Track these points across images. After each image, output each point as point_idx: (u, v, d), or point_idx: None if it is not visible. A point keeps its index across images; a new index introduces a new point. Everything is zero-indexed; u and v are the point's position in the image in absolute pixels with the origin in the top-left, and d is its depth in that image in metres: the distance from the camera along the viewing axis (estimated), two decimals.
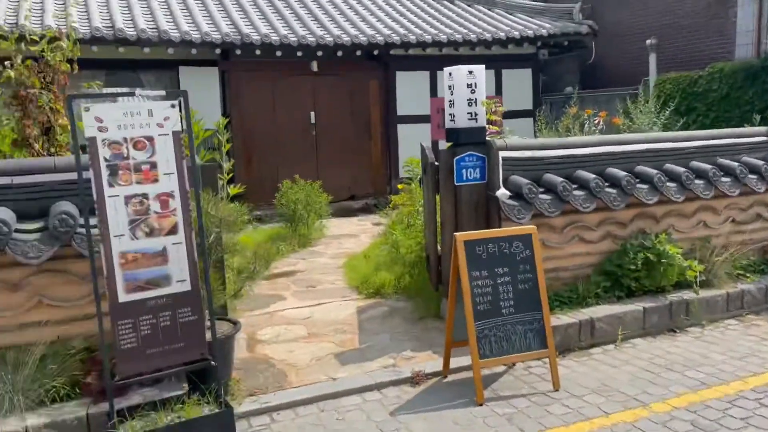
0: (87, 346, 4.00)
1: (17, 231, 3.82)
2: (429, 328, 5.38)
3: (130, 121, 3.48)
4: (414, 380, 4.43)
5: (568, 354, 4.87)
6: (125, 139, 3.49)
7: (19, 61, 4.84)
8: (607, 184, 5.45)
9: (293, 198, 8.60)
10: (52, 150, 4.89)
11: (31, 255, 3.80)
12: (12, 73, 4.75)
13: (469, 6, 13.95)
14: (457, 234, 4.35)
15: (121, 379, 3.62)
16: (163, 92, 3.60)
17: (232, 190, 7.36)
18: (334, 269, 7.26)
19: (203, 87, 10.83)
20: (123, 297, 3.55)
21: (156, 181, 3.57)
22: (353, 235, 9.16)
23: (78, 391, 3.84)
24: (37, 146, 4.85)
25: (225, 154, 8.21)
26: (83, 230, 3.58)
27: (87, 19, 9.91)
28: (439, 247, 5.50)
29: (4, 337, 3.89)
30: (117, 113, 3.47)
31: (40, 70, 4.94)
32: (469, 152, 5.21)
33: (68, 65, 5.06)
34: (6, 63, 4.81)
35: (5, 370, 3.67)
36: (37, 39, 4.91)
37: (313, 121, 11.58)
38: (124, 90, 3.69)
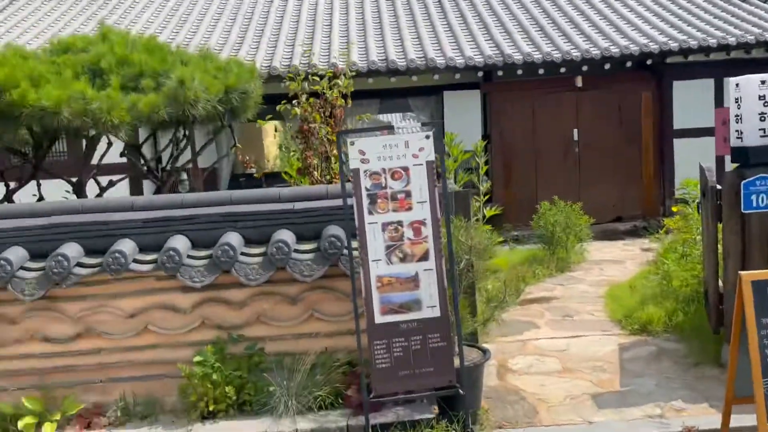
0: (349, 360, 4.31)
1: (295, 251, 4.30)
2: (705, 376, 4.69)
3: (389, 153, 3.69)
4: None
5: None
6: (384, 170, 3.71)
7: (304, 99, 5.49)
8: None
9: (551, 220, 8.30)
10: (328, 177, 5.43)
11: (306, 273, 4.24)
12: (298, 110, 5.41)
13: (764, 2, 12.07)
14: (743, 273, 3.70)
15: (376, 396, 3.82)
16: (418, 124, 3.74)
17: (488, 211, 7.38)
18: (593, 298, 6.80)
19: (465, 109, 11.14)
20: (378, 318, 3.76)
21: (410, 209, 3.72)
22: (617, 261, 8.50)
23: (340, 401, 4.15)
24: (316, 174, 5.45)
25: (483, 175, 8.29)
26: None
27: (365, 54, 10.91)
28: (720, 284, 4.78)
29: (283, 345, 4.39)
30: (377, 146, 3.70)
31: (320, 106, 5.55)
32: (761, 174, 4.43)
33: (343, 100, 5.59)
34: (294, 101, 5.50)
35: (282, 375, 4.13)
36: (318, 79, 5.53)
37: (575, 138, 11.10)
38: (384, 124, 3.91)
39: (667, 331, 5.57)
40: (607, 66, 10.52)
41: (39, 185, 6.05)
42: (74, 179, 5.94)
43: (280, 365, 4.21)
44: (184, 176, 7.17)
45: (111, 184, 6.13)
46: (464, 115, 11.21)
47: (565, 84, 10.89)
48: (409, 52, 10.71)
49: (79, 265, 4.22)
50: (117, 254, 4.16)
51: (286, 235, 4.31)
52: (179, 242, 4.29)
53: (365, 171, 3.71)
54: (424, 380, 3.81)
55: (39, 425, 4.00)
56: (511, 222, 10.58)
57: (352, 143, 3.70)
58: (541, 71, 10.52)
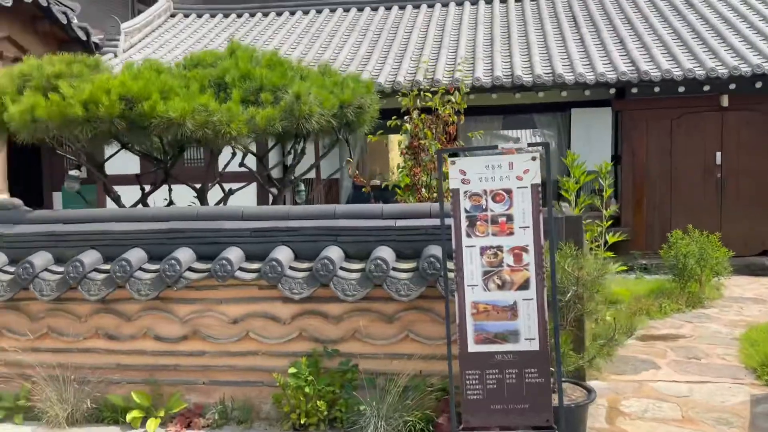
0: (443, 386, 4.15)
1: (393, 269, 4.22)
2: None
3: (491, 173, 3.51)
4: None
5: None
6: (485, 191, 3.53)
7: (415, 115, 5.43)
8: None
9: (683, 251, 7.60)
10: (435, 195, 5.32)
11: (403, 293, 4.15)
12: (409, 126, 5.36)
13: None
14: None
15: (466, 428, 3.63)
16: (524, 145, 3.54)
17: (611, 237, 6.91)
18: (727, 341, 6.10)
19: (594, 127, 10.61)
20: (472, 347, 3.57)
21: (511, 234, 3.51)
22: (760, 299, 7.60)
23: (431, 428, 4.00)
24: (424, 191, 5.36)
25: (608, 198, 7.79)
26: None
27: (490, 69, 10.69)
28: None
29: (376, 363, 4.32)
30: (479, 166, 3.53)
31: (432, 122, 5.46)
32: None
33: (455, 117, 5.46)
34: (405, 117, 5.46)
35: (373, 395, 4.06)
36: (430, 95, 5.45)
37: (718, 162, 10.14)
38: (509, 140, 3.75)
39: None
40: (758, 84, 9.55)
41: (170, 190, 6.48)
42: (198, 186, 6.29)
43: (372, 384, 4.14)
44: (302, 187, 7.37)
45: (230, 192, 6.43)
46: (593, 134, 10.68)
47: (709, 103, 10.00)
48: (536, 67, 10.35)
49: (190, 269, 4.43)
50: (224, 261, 4.31)
51: (385, 253, 4.25)
52: (282, 253, 4.37)
53: (465, 191, 3.55)
54: (518, 417, 3.56)
55: (144, 420, 4.23)
56: (641, 249, 9.91)
57: (453, 162, 3.56)
58: (681, 89, 9.76)
